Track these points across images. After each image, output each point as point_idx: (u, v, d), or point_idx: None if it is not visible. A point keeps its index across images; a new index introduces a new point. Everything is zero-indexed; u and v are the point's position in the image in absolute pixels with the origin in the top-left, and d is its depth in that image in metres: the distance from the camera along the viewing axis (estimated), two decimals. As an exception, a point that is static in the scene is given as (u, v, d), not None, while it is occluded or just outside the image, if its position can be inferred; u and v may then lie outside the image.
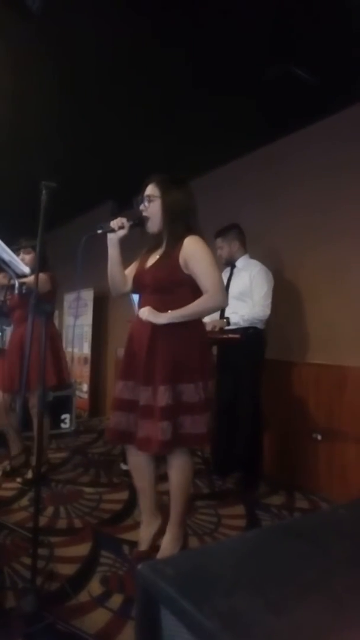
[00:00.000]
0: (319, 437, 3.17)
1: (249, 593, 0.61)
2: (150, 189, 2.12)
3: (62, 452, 4.07)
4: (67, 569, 2.06)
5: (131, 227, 2.09)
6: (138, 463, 2.20)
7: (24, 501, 2.85)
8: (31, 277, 2.69)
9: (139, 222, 2.12)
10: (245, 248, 3.36)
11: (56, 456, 3.90)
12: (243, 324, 3.09)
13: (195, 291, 2.05)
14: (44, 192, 1.88)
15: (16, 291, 2.79)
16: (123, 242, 2.12)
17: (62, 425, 4.76)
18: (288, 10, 2.26)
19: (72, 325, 6.36)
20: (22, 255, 3.15)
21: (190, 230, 2.09)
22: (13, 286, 2.91)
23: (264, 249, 3.53)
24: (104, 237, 2.10)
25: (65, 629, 1.64)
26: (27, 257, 3.17)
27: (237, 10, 2.27)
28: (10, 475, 3.27)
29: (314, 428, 3.21)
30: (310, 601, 0.60)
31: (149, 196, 2.11)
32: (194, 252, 2.04)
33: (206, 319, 3.25)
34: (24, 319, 3.19)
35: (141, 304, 2.13)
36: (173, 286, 2.05)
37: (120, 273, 2.18)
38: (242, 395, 3.17)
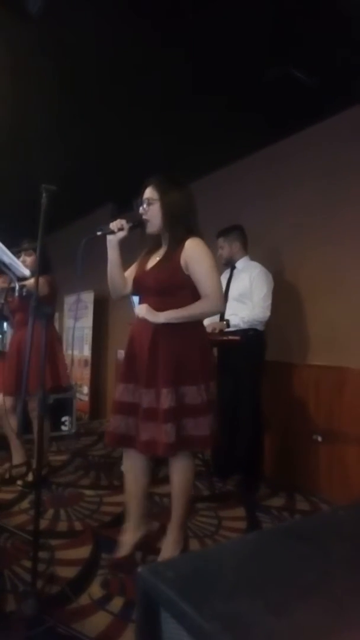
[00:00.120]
0: (320, 439, 3.17)
1: (249, 595, 0.61)
2: (149, 192, 2.11)
3: (62, 454, 4.07)
4: (68, 572, 2.05)
5: (131, 229, 2.09)
6: (134, 467, 2.18)
7: (25, 504, 2.85)
8: (31, 280, 2.69)
9: (138, 224, 2.12)
10: (246, 250, 3.37)
11: (57, 459, 3.90)
12: (243, 325, 3.09)
13: (195, 294, 2.06)
14: (44, 195, 1.89)
15: (16, 294, 2.79)
16: (123, 244, 2.12)
17: (63, 427, 4.76)
18: (287, 12, 2.27)
19: (72, 327, 6.36)
20: (23, 257, 3.15)
21: (191, 232, 2.09)
22: (14, 289, 2.91)
23: (265, 250, 3.53)
24: (104, 239, 2.10)
25: (66, 632, 1.64)
26: (28, 259, 3.17)
27: (237, 11, 2.27)
28: (8, 483, 3.26)
29: (314, 429, 3.21)
30: (311, 603, 0.59)
31: (148, 199, 2.10)
32: (195, 254, 2.04)
33: (206, 322, 3.25)
34: (25, 322, 3.19)
35: None
36: (175, 288, 2.05)
37: (120, 275, 2.18)
38: (242, 397, 3.17)
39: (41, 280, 2.92)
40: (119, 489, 3.18)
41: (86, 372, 5.93)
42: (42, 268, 2.30)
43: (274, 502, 3.04)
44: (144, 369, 2.05)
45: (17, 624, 1.68)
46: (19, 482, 3.15)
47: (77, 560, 2.18)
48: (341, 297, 3.17)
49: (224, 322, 3.16)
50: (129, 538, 2.17)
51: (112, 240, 2.10)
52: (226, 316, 3.23)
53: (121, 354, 2.31)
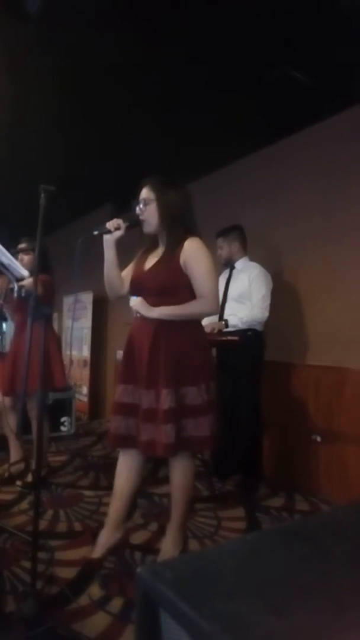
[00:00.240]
0: (319, 439, 3.17)
1: (249, 596, 0.61)
2: (146, 192, 2.11)
3: (61, 455, 4.07)
4: (67, 573, 2.05)
5: (127, 229, 2.08)
6: (129, 468, 2.17)
7: (24, 504, 2.85)
8: (29, 280, 2.69)
9: (135, 223, 2.11)
10: (246, 250, 3.37)
11: (56, 459, 3.89)
12: (242, 326, 3.09)
13: (194, 295, 2.06)
14: (42, 195, 1.89)
15: (15, 294, 2.79)
16: (120, 244, 2.12)
17: (62, 428, 4.75)
18: (287, 12, 2.27)
19: (71, 327, 6.36)
20: (21, 255, 3.15)
21: (189, 232, 2.09)
22: (12, 289, 2.92)
23: (264, 250, 3.53)
24: (102, 239, 2.10)
25: (65, 633, 1.64)
26: (26, 258, 3.17)
27: (237, 11, 2.27)
28: (8, 482, 3.26)
29: (313, 430, 3.21)
30: (311, 603, 0.59)
31: (144, 199, 2.10)
32: (194, 254, 2.04)
33: (204, 322, 3.25)
34: (23, 322, 3.20)
35: None
36: (174, 289, 2.04)
37: (117, 275, 2.17)
38: (241, 397, 3.17)
39: (33, 279, 2.91)
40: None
41: (85, 373, 5.92)
42: (39, 268, 2.29)
43: (274, 502, 3.04)
44: (144, 369, 2.04)
45: (17, 624, 1.68)
46: (18, 483, 3.15)
47: (77, 560, 2.17)
48: (341, 297, 3.17)
49: (223, 323, 3.16)
50: (104, 540, 2.15)
51: (108, 240, 2.09)
52: (225, 316, 3.23)
53: (120, 354, 2.30)
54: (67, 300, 6.43)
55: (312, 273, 3.38)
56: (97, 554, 2.12)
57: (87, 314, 5.96)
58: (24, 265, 2.88)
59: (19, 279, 2.72)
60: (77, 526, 2.59)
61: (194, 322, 2.13)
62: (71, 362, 6.23)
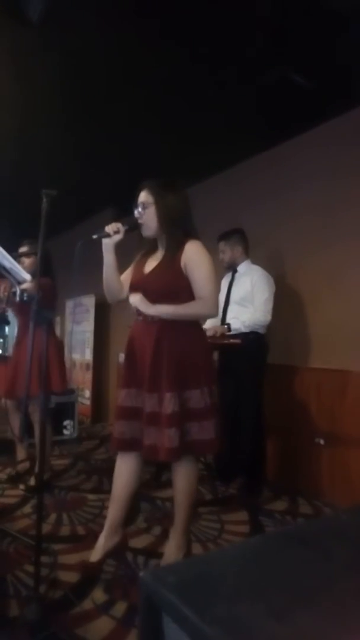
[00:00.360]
0: (322, 442, 3.16)
1: (252, 600, 0.61)
2: (144, 195, 2.11)
3: (64, 458, 4.07)
4: (71, 577, 2.05)
5: (127, 232, 2.08)
6: (129, 471, 2.16)
7: (27, 508, 2.85)
8: (29, 284, 2.70)
9: (134, 227, 2.11)
10: (248, 253, 3.37)
11: (59, 463, 3.89)
12: (244, 330, 3.09)
13: (194, 297, 2.06)
14: (44, 200, 1.89)
15: (17, 298, 2.80)
16: (119, 248, 2.12)
17: (65, 431, 4.76)
18: (287, 14, 2.28)
19: (73, 331, 6.37)
20: (22, 258, 3.17)
21: (188, 235, 2.09)
22: (15, 293, 2.92)
23: (265, 253, 3.54)
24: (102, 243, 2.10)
25: (69, 638, 1.64)
26: (27, 261, 3.18)
27: (237, 12, 2.28)
28: (15, 480, 3.28)
29: (316, 433, 3.20)
30: (313, 607, 0.59)
31: (143, 202, 2.10)
32: (195, 257, 2.04)
33: (207, 325, 3.26)
34: (25, 326, 3.22)
35: (140, 310, 2.10)
36: (176, 291, 2.04)
37: (116, 279, 2.17)
38: (244, 401, 3.17)
39: (34, 282, 2.93)
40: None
41: (88, 376, 5.93)
42: (41, 271, 2.30)
43: (277, 505, 3.03)
44: (146, 373, 2.04)
45: (20, 629, 1.67)
46: (22, 487, 3.15)
47: (80, 565, 2.17)
48: (343, 299, 3.17)
49: (225, 326, 3.15)
50: (102, 544, 2.13)
51: (108, 244, 2.09)
52: (227, 320, 3.23)
53: (123, 357, 2.30)
54: (70, 304, 6.44)
55: (314, 275, 3.38)
56: (95, 558, 2.11)
57: (90, 317, 5.97)
58: (24, 268, 2.89)
59: (21, 282, 2.72)
60: (81, 530, 2.59)
61: (195, 325, 2.13)
62: (74, 365, 6.24)
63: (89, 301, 5.91)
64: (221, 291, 3.44)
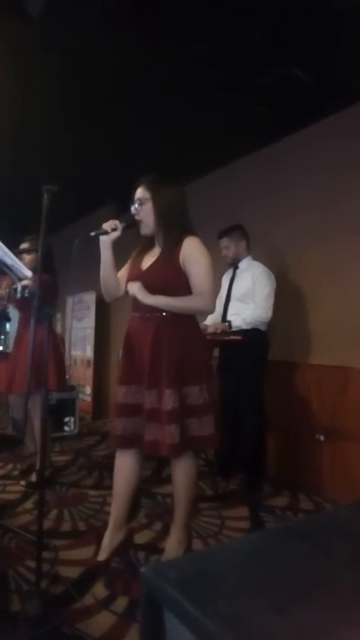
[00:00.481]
0: (322, 438, 3.16)
1: (252, 595, 0.61)
2: (141, 192, 2.10)
3: (65, 454, 4.08)
4: (72, 572, 2.06)
5: (124, 229, 2.07)
6: (130, 468, 2.17)
7: (28, 504, 2.86)
8: (28, 281, 2.70)
9: (132, 224, 2.11)
10: (249, 249, 3.37)
11: (60, 459, 3.90)
12: (245, 326, 3.08)
13: (191, 293, 2.06)
14: (45, 196, 1.89)
15: (19, 295, 2.80)
16: (117, 245, 2.11)
17: (66, 428, 4.76)
18: (288, 11, 2.27)
19: (74, 328, 6.38)
20: (23, 255, 3.17)
21: (185, 231, 2.09)
22: (16, 289, 2.92)
23: (265, 249, 3.53)
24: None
25: (70, 632, 1.64)
26: (28, 257, 3.18)
27: (238, 10, 2.27)
28: (25, 473, 3.30)
29: (317, 429, 3.21)
30: (314, 603, 0.60)
31: (139, 199, 2.09)
32: (194, 253, 2.04)
33: (208, 322, 3.26)
34: (25, 322, 3.22)
35: (139, 305, 2.10)
36: (174, 287, 2.04)
37: (114, 276, 2.16)
38: (245, 397, 3.17)
39: (33, 279, 2.93)
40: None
41: (89, 373, 5.93)
42: (42, 269, 2.30)
43: (278, 501, 3.04)
44: (145, 369, 2.04)
45: (22, 623, 1.68)
46: (22, 483, 3.16)
47: (81, 560, 2.18)
48: (343, 294, 3.16)
49: (226, 324, 3.15)
50: (108, 542, 2.15)
51: (105, 241, 2.08)
52: (228, 316, 3.23)
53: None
54: (71, 300, 6.44)
55: (314, 271, 3.38)
56: (102, 557, 2.12)
57: (90, 314, 5.97)
58: (25, 264, 2.89)
59: (22, 279, 2.72)
60: (82, 526, 2.60)
61: (193, 322, 2.13)
62: (74, 362, 6.25)
63: (90, 298, 5.90)
64: (222, 287, 3.44)
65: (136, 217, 2.10)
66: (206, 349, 2.21)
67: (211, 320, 3.30)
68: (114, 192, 4.84)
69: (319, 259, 3.34)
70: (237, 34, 2.45)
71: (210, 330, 3.08)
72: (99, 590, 1.93)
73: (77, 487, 3.24)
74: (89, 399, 5.83)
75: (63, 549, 2.29)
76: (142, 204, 2.08)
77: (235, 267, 3.36)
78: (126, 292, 2.17)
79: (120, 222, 2.07)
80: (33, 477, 3.18)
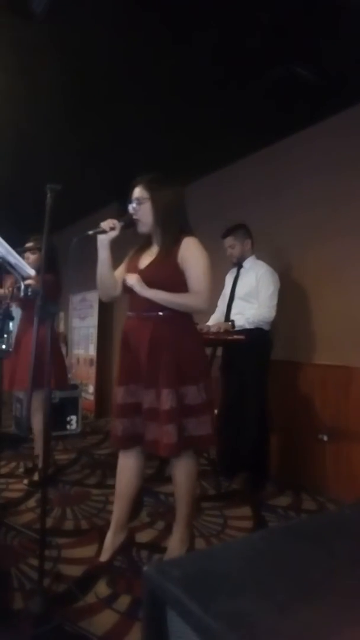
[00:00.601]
0: (326, 438, 3.16)
1: (256, 594, 0.61)
2: (139, 191, 2.10)
3: (68, 453, 4.09)
4: (74, 570, 2.06)
5: (122, 229, 2.07)
6: (132, 467, 2.17)
7: (31, 502, 2.86)
8: (31, 280, 2.70)
9: (130, 223, 2.10)
10: (253, 248, 3.36)
11: (63, 457, 3.91)
12: (248, 326, 3.08)
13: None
14: (49, 195, 1.89)
15: (22, 294, 2.81)
16: (114, 244, 2.10)
17: (69, 426, 4.78)
18: (290, 9, 2.26)
19: (77, 327, 6.39)
20: (27, 254, 3.18)
21: (183, 230, 2.09)
22: (19, 288, 2.93)
23: (268, 249, 3.52)
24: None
25: (73, 631, 1.65)
26: (32, 257, 3.19)
27: (241, 8, 2.27)
28: (30, 471, 3.31)
29: (320, 428, 3.20)
30: (317, 602, 0.59)
31: (137, 198, 2.09)
32: (193, 252, 2.04)
33: (211, 322, 3.26)
34: (27, 320, 3.23)
35: (135, 304, 2.10)
36: (172, 286, 2.03)
37: (110, 276, 2.14)
38: (248, 396, 3.17)
39: (36, 278, 2.94)
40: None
41: (91, 371, 5.94)
42: (45, 267, 2.30)
43: (280, 501, 3.04)
44: (143, 368, 2.05)
45: (25, 621, 1.69)
46: (25, 482, 3.17)
47: (84, 558, 2.18)
48: (347, 293, 3.16)
49: (230, 323, 3.15)
50: (110, 543, 2.15)
51: (103, 240, 2.07)
52: (232, 316, 3.23)
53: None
54: (73, 299, 6.45)
55: (317, 271, 3.37)
56: (104, 557, 2.12)
57: (93, 313, 5.98)
58: (29, 264, 2.89)
59: (26, 278, 2.73)
60: (84, 524, 2.61)
61: (190, 321, 2.13)
62: (77, 361, 6.26)
63: (93, 296, 5.91)
64: (226, 286, 3.44)
65: (134, 217, 2.09)
66: (204, 349, 2.21)
67: (214, 320, 3.29)
68: (116, 192, 4.85)
69: (322, 259, 3.33)
70: (238, 33, 2.45)
71: (213, 329, 3.08)
72: (102, 588, 1.94)
73: (80, 486, 3.25)
74: (91, 397, 5.84)
75: (66, 548, 2.29)
76: (141, 204, 2.08)
77: (240, 266, 3.36)
78: (122, 291, 2.17)
79: (119, 221, 2.06)
80: (35, 477, 3.18)
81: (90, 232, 2.04)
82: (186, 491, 2.14)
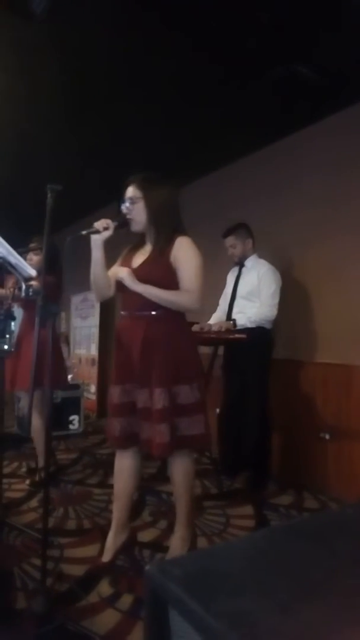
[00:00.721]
0: (327, 437, 3.16)
1: (257, 593, 0.61)
2: (132, 190, 2.10)
3: (70, 453, 4.09)
4: (77, 570, 2.07)
5: (116, 228, 2.06)
6: (130, 467, 2.18)
7: (34, 502, 2.87)
8: (33, 281, 2.70)
9: (124, 223, 2.10)
10: (255, 247, 3.36)
11: (65, 457, 3.91)
12: (250, 325, 3.08)
13: None
14: (49, 195, 1.89)
15: (23, 294, 2.80)
16: (108, 244, 2.09)
17: (71, 426, 4.78)
18: (293, 8, 2.26)
19: (79, 326, 6.39)
20: (30, 255, 3.17)
21: (176, 230, 2.09)
22: (20, 289, 2.93)
23: (268, 248, 3.52)
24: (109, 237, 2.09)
25: (75, 630, 1.65)
26: (35, 258, 3.18)
27: (243, 7, 2.26)
28: (33, 471, 3.31)
29: (322, 427, 3.20)
30: (318, 601, 0.59)
31: (131, 198, 2.09)
32: (186, 252, 2.04)
33: (212, 321, 3.26)
34: (29, 321, 3.23)
35: (128, 304, 2.11)
36: (167, 285, 2.03)
37: (105, 275, 2.13)
38: (249, 395, 3.17)
39: (37, 278, 2.92)
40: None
41: (93, 371, 5.94)
42: (46, 267, 2.30)
43: (282, 500, 3.04)
44: (136, 367, 2.05)
45: (27, 621, 1.69)
46: (27, 482, 3.17)
47: (86, 558, 2.19)
48: (348, 292, 3.15)
49: (231, 322, 3.15)
50: (112, 543, 2.15)
51: (97, 240, 2.06)
52: (233, 315, 3.23)
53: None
54: (76, 299, 6.45)
55: (318, 269, 3.37)
56: (106, 558, 2.12)
57: (95, 313, 5.98)
58: (33, 265, 2.89)
59: (27, 278, 2.73)
60: (86, 524, 2.61)
61: (182, 321, 2.14)
62: (79, 360, 6.26)
63: (94, 296, 5.90)
64: (227, 285, 3.44)
65: (127, 216, 2.09)
66: (197, 348, 2.21)
67: (216, 319, 3.29)
68: (117, 192, 4.85)
69: (323, 258, 3.33)
70: (238, 33, 2.44)
71: (214, 328, 3.08)
72: (104, 588, 1.94)
73: (82, 485, 3.25)
74: (93, 397, 5.85)
75: (68, 547, 2.30)
76: (134, 203, 2.08)
77: (241, 265, 3.35)
78: (116, 290, 2.17)
79: (112, 221, 2.06)
80: (37, 477, 3.18)
81: (84, 232, 2.03)
82: (184, 490, 2.14)
